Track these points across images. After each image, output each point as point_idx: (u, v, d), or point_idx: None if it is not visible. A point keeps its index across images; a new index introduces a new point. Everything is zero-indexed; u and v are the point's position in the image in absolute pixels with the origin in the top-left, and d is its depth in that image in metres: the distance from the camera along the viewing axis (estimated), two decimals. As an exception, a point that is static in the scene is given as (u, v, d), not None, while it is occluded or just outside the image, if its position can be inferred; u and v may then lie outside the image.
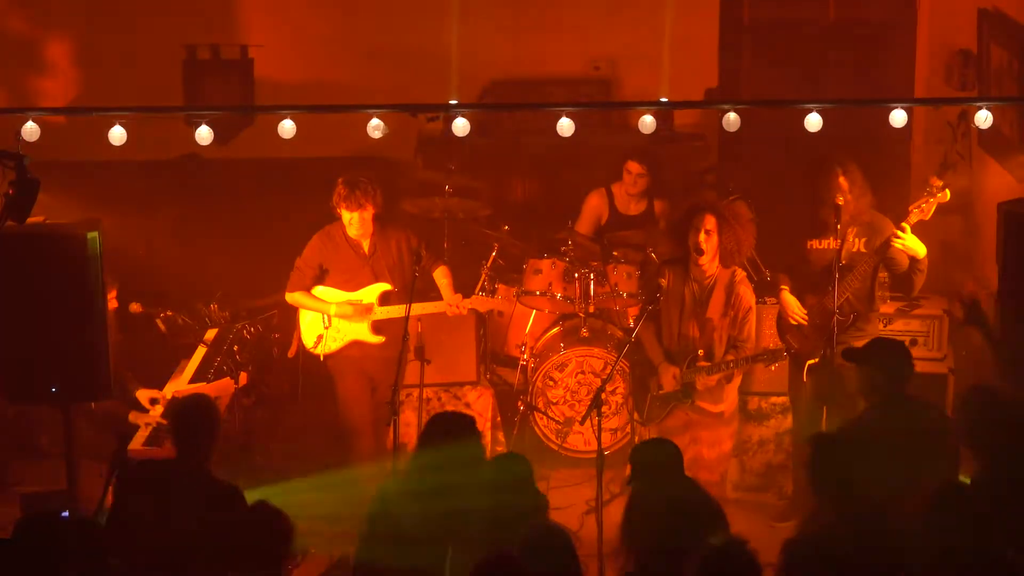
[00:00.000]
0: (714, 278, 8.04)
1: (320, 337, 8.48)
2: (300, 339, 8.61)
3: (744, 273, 8.19)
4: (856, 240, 8.15)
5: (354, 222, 8.29)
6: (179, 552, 5.97)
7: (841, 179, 8.06)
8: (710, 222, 7.92)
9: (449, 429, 6.34)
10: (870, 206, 8.14)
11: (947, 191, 7.87)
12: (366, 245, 8.43)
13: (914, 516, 5.86)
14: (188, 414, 6.41)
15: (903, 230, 7.92)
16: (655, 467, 6.16)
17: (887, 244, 7.98)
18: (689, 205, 8.17)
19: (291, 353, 8.91)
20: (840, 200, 8.00)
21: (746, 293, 8.09)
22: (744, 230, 8.02)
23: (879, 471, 5.95)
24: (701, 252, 7.93)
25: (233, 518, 5.87)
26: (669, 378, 8.05)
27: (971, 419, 6.19)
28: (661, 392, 8.10)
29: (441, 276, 8.60)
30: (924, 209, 7.90)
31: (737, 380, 8.27)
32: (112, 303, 8.05)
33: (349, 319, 8.43)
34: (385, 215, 8.44)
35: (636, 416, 8.43)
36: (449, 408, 9.03)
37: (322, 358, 8.53)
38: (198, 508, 6.11)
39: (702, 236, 7.91)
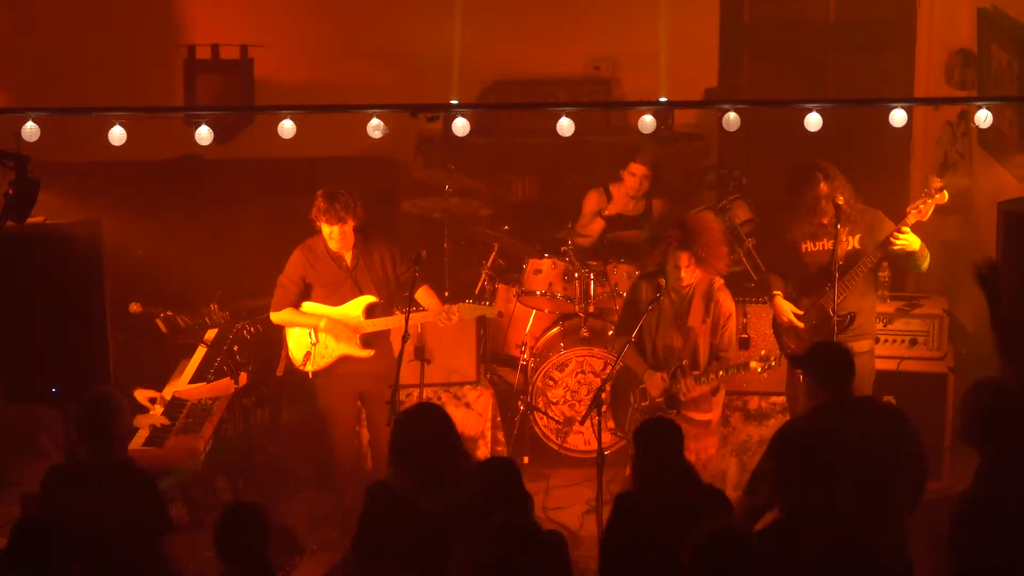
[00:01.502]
0: (692, 287, 8.01)
1: (308, 354, 8.19)
2: (288, 357, 8.40)
3: (722, 281, 8.17)
4: (850, 238, 8.14)
5: (334, 235, 8.06)
6: (113, 541, 6.01)
7: (823, 185, 8.06)
8: (685, 259, 7.90)
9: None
10: (855, 199, 8.12)
11: (945, 192, 7.82)
12: (348, 258, 8.20)
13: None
14: (92, 412, 6.41)
15: (902, 232, 7.92)
16: (657, 442, 6.07)
17: (885, 245, 7.98)
18: (664, 231, 8.13)
19: (279, 372, 8.74)
20: (840, 199, 7.99)
21: (725, 300, 8.05)
22: (716, 245, 8.02)
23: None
24: (681, 280, 7.94)
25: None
26: (657, 381, 8.00)
27: (978, 414, 5.82)
28: (644, 404, 8.05)
29: (425, 296, 8.24)
30: (922, 210, 7.86)
31: (723, 391, 8.26)
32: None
33: (336, 334, 8.21)
34: (368, 228, 8.21)
35: (614, 427, 8.44)
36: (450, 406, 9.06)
37: (311, 375, 8.25)
38: (120, 498, 6.17)
39: (683, 273, 7.90)
